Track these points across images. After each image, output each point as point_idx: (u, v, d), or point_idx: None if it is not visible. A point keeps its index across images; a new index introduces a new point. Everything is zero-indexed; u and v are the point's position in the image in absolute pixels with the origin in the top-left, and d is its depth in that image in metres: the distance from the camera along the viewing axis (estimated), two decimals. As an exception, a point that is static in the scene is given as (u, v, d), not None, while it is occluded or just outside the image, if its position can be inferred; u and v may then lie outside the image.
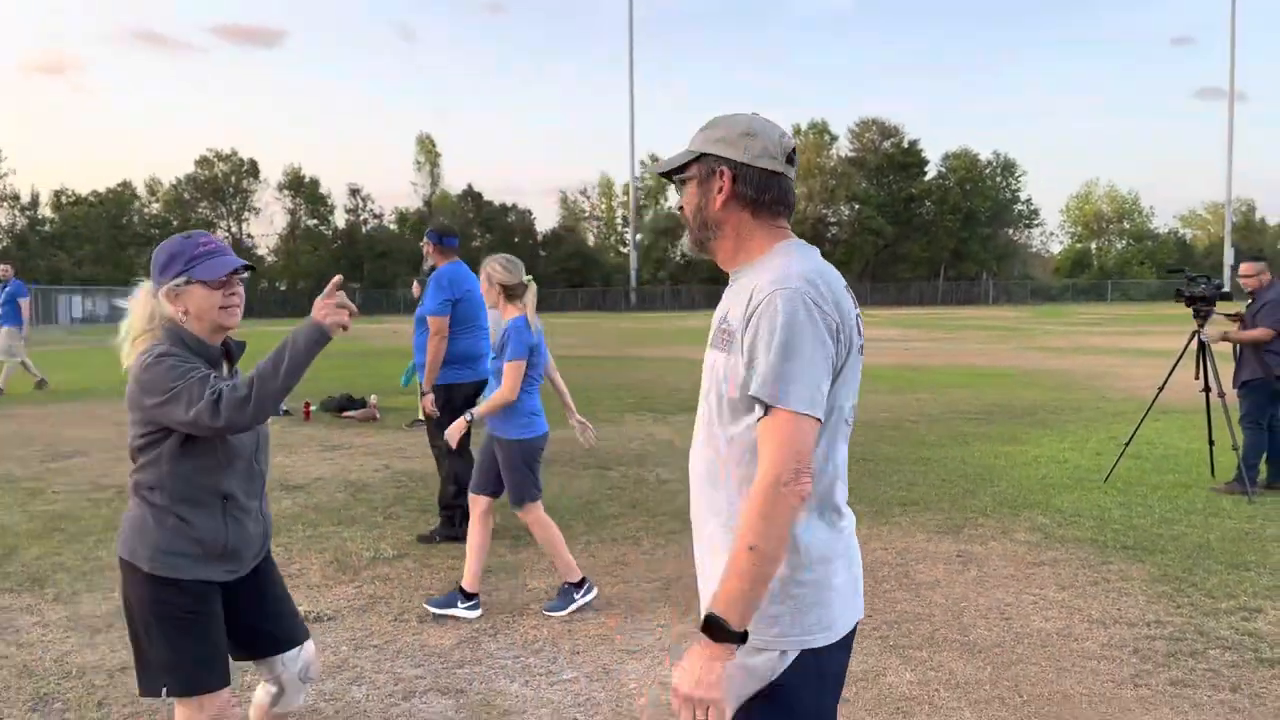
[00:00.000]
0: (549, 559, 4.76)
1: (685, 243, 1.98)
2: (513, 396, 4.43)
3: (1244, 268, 7.23)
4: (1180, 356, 7.39)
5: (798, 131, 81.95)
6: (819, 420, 1.64)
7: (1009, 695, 3.63)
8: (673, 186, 1.98)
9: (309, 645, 2.64)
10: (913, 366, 18.11)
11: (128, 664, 3.94)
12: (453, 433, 4.57)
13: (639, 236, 76.49)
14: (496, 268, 4.63)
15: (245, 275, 2.42)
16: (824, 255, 1.91)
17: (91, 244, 67.11)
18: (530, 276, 4.70)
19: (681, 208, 1.91)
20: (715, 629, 1.61)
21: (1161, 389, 7.61)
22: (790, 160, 1.83)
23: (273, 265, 78.36)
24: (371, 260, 76.82)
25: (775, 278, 1.69)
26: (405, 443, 9.56)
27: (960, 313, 55.57)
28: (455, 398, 5.81)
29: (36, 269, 61.94)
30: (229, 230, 77.20)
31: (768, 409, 1.63)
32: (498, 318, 4.87)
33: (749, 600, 1.61)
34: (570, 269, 76.26)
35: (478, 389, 5.93)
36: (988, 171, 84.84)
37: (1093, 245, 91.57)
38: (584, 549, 5.61)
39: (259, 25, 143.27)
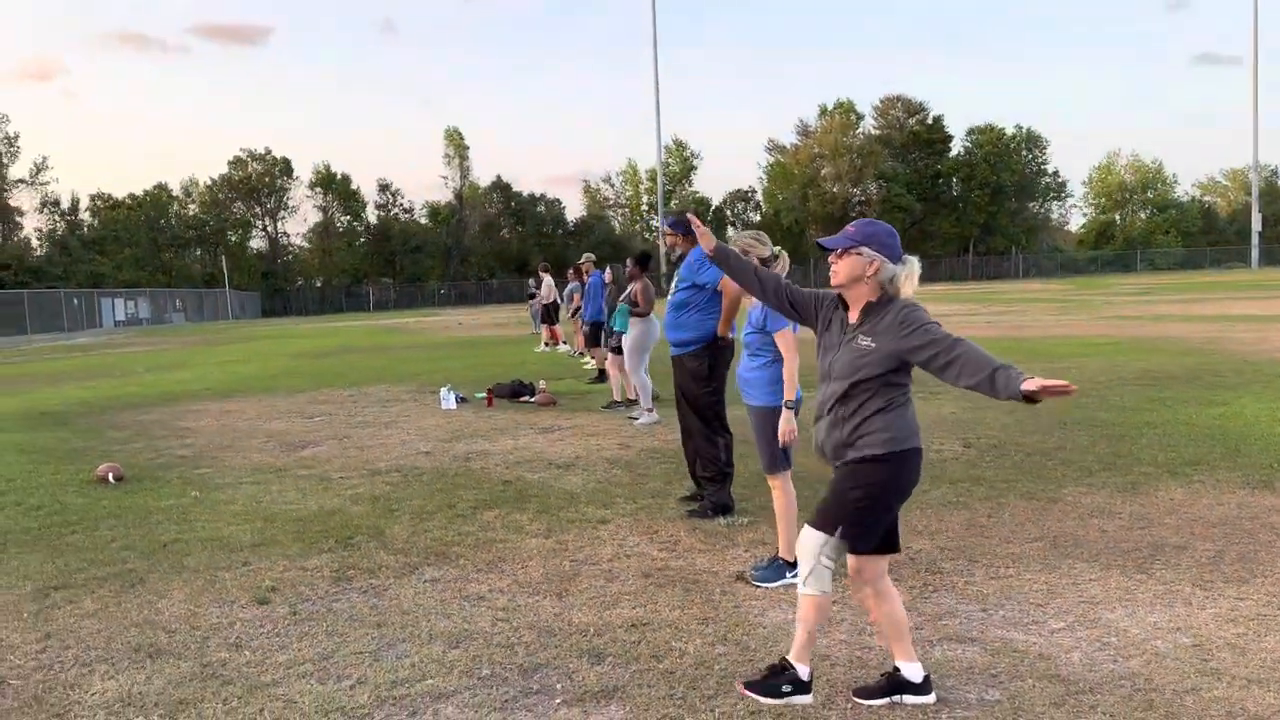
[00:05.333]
0: (777, 527, 4.90)
1: None
2: (797, 360, 4.65)
3: None
4: None
5: (824, 111, 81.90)
6: None
7: None
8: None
9: None
10: (1015, 339, 18.28)
11: (640, 620, 4.18)
12: (786, 433, 4.69)
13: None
14: (753, 242, 4.83)
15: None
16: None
17: (132, 248, 67.72)
18: (779, 248, 4.90)
19: None
20: None
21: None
22: None
23: (309, 263, 78.81)
24: (405, 255, 77.24)
25: None
26: (612, 424, 9.73)
27: (997, 287, 55.54)
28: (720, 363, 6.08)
29: (79, 273, 62.52)
30: (265, 229, 77.70)
31: None
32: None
33: None
34: (601, 256, 76.43)
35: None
36: (1013, 145, 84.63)
37: (1116, 216, 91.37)
38: (935, 513, 5.81)
39: (240, 23, 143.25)
